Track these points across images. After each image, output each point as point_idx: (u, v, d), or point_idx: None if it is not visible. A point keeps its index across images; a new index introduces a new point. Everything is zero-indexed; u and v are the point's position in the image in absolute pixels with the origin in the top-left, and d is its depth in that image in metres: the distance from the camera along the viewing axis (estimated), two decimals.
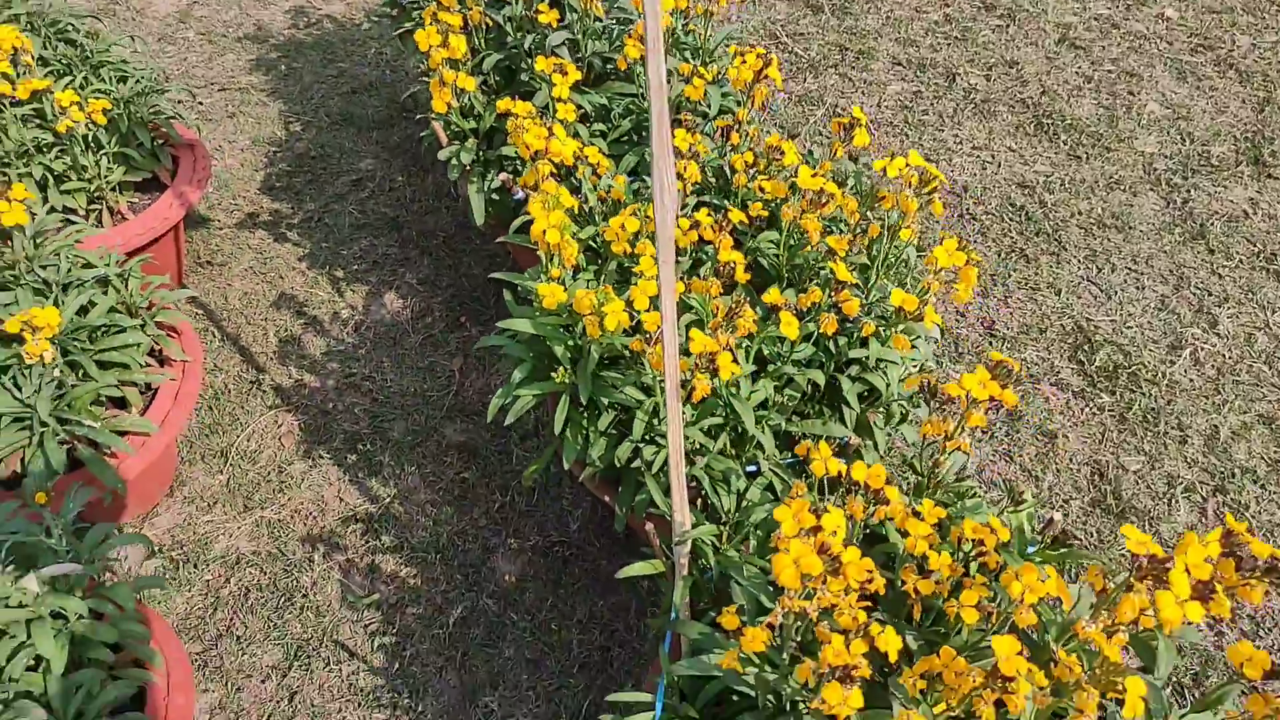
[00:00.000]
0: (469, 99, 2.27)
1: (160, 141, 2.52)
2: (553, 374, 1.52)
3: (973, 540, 1.12)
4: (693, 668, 1.20)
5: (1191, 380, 2.46)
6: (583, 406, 1.56)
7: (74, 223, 2.11)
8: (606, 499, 1.72)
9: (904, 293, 1.50)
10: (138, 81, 2.41)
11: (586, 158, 1.80)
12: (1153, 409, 2.39)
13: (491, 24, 2.32)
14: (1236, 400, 2.41)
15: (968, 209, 2.92)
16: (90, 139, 2.32)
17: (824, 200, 1.65)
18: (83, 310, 1.84)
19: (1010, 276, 2.72)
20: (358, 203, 3.02)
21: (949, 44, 3.56)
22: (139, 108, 2.38)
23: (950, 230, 2.86)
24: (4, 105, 2.19)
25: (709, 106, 2.11)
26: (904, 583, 1.14)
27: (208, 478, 2.31)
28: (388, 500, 2.27)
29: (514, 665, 1.98)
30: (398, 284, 2.76)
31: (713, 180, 1.97)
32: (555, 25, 2.20)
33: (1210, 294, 2.67)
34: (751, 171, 1.81)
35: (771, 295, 1.53)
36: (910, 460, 1.44)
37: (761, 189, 1.81)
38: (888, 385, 1.58)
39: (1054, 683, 1.02)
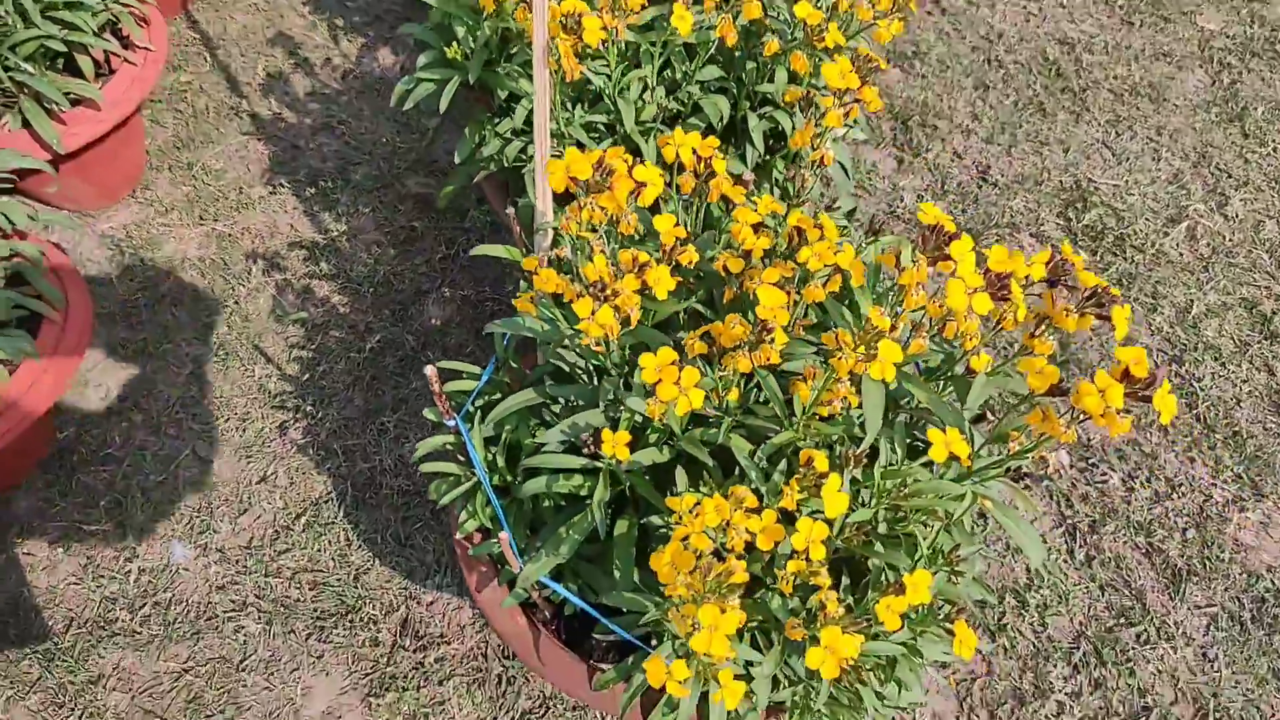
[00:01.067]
0: None
1: None
2: (447, 50, 1.49)
3: (796, 229, 1.08)
4: (505, 326, 1.19)
5: (1181, 254, 2.33)
6: (478, 94, 1.53)
7: None
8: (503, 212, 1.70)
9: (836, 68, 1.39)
10: None
11: None
12: (1130, 273, 2.27)
13: None
14: (1222, 280, 2.28)
15: (996, 55, 2.75)
16: None
17: None
18: None
19: (1021, 128, 2.58)
20: None
21: None
22: None
23: (970, 74, 2.70)
24: None
25: None
26: (724, 266, 1.11)
27: (171, 186, 2.34)
28: (336, 235, 2.28)
29: (419, 396, 2.01)
30: (394, 42, 2.72)
31: None
32: None
33: (1230, 175, 2.50)
34: None
35: None
36: (781, 183, 1.38)
37: None
38: (794, 129, 1.51)
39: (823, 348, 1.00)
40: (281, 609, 1.73)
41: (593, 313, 0.97)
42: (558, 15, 1.22)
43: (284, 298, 2.15)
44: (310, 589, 1.76)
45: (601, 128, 1.44)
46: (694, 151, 1.12)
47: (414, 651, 1.71)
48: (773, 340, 0.97)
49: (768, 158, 1.54)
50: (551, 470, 1.14)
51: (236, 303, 2.14)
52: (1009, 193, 2.44)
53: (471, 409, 1.29)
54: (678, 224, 1.12)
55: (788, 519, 0.99)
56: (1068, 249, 1.10)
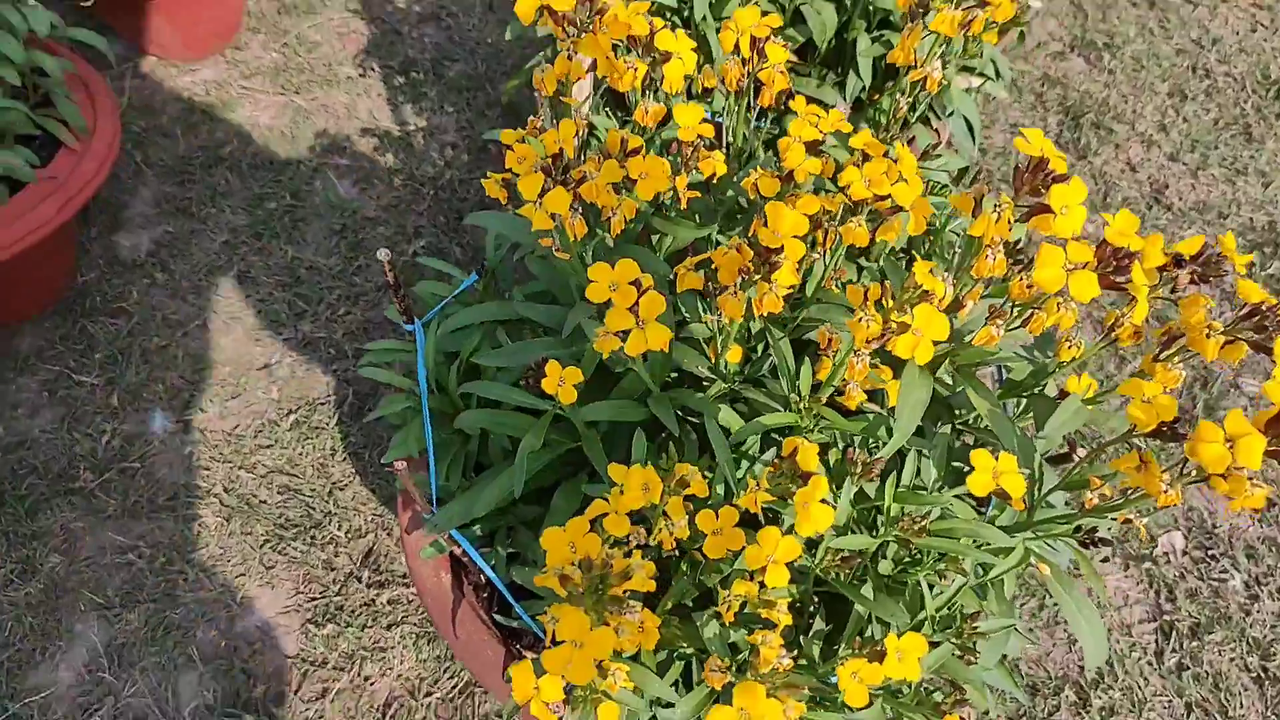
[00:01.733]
0: None
1: None
2: None
3: (862, 153, 0.80)
4: (478, 219, 0.97)
5: None
6: None
7: None
8: None
9: None
10: None
11: None
12: None
13: None
14: None
15: (1205, 64, 2.33)
16: None
17: None
18: None
19: (1216, 149, 2.16)
20: None
21: None
22: None
23: (1168, 78, 2.29)
24: None
25: None
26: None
27: (262, 50, 2.22)
28: (413, 130, 2.11)
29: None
30: None
31: None
32: None
33: None
34: None
35: None
36: (876, 117, 1.09)
37: None
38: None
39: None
40: (245, 507, 1.58)
41: (541, 194, 0.72)
42: None
43: (342, 182, 2.00)
44: (280, 493, 1.60)
45: (670, 13, 1.19)
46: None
47: (369, 586, 1.52)
48: (775, 280, 0.71)
49: (875, 96, 1.25)
50: (494, 403, 0.92)
51: (292, 178, 1.99)
52: (1184, 220, 2.04)
53: (440, 319, 1.07)
54: (709, 122, 0.86)
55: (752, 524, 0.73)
56: (1229, 243, 0.79)
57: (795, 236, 0.72)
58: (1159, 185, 2.10)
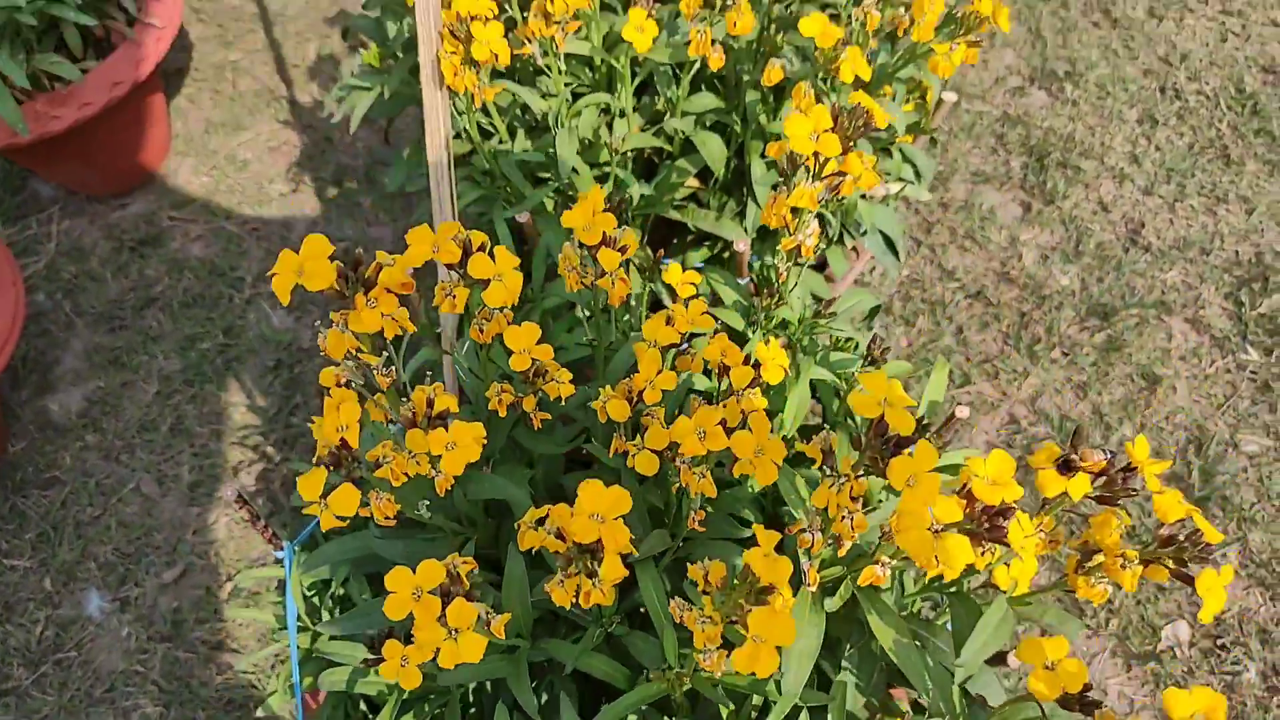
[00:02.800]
0: None
1: None
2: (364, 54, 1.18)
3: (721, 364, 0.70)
4: None
5: None
6: None
7: None
8: None
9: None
10: None
11: None
12: None
13: None
14: None
15: (1175, 83, 2.20)
16: None
17: None
18: None
19: (1193, 177, 2.04)
20: None
21: None
22: None
23: (1136, 104, 2.17)
24: None
25: None
26: None
27: (192, 175, 2.16)
28: (350, 244, 2.03)
29: None
30: None
31: None
32: None
33: None
34: None
35: None
36: (763, 271, 0.97)
37: None
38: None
39: None
40: (185, 692, 1.50)
41: (324, 494, 0.63)
42: (448, 20, 0.89)
43: (276, 312, 1.92)
44: (221, 672, 1.52)
45: (546, 164, 1.10)
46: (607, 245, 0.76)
47: None
48: (601, 578, 0.61)
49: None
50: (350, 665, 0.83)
51: (225, 314, 1.92)
52: (1164, 261, 1.92)
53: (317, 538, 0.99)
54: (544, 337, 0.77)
55: None
56: (1140, 450, 0.68)
57: (620, 517, 0.63)
58: (1134, 224, 1.98)
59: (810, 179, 0.78)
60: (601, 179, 1.08)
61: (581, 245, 0.79)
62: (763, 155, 1.10)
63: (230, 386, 1.82)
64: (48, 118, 1.75)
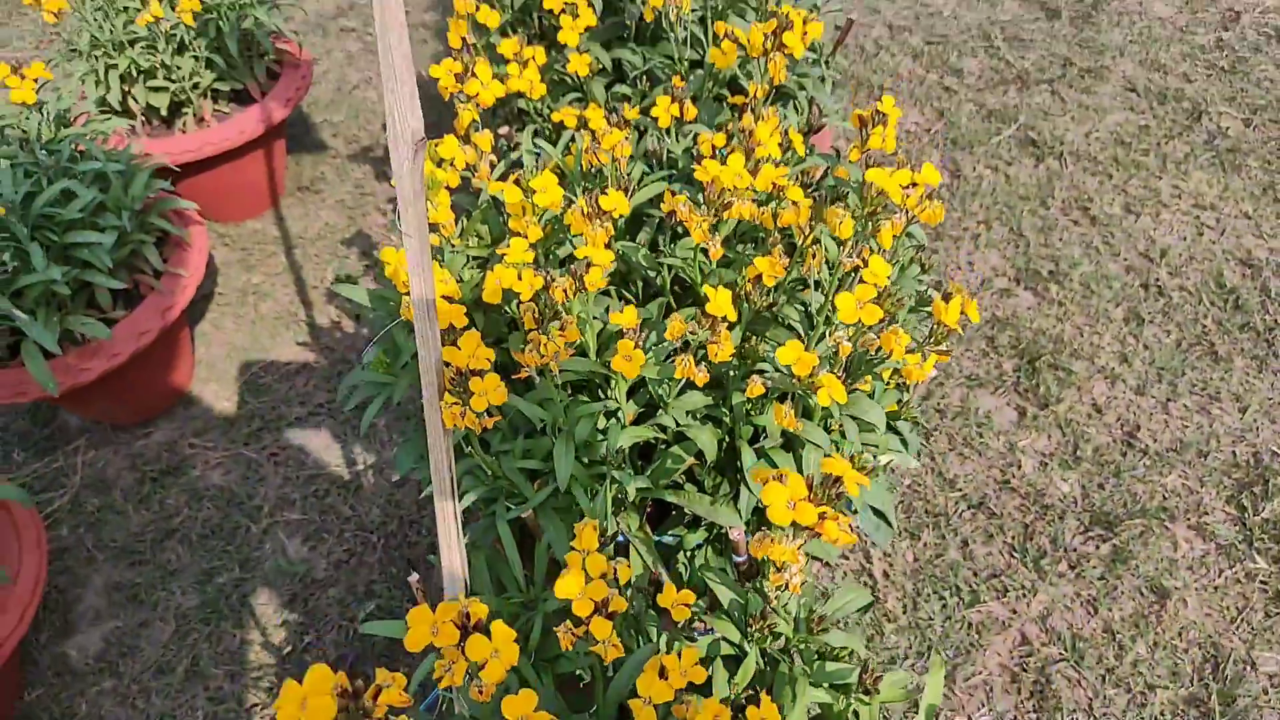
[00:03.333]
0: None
1: (263, 54, 2.48)
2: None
3: None
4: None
5: None
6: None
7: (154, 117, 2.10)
8: None
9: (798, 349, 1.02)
10: None
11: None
12: None
13: None
14: None
15: (1157, 279, 2.28)
16: (179, 40, 2.30)
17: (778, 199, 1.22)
18: (64, 197, 1.78)
19: (1184, 375, 2.09)
20: None
21: (1210, 75, 2.83)
22: (235, 15, 2.33)
23: (1122, 302, 2.24)
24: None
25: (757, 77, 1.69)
26: None
27: (214, 402, 2.25)
28: (362, 469, 2.10)
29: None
30: None
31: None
32: None
33: None
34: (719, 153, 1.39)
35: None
36: (758, 587, 1.00)
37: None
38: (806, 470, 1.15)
39: None
40: None
41: None
42: (449, 373, 0.96)
43: (291, 541, 1.97)
44: None
45: (546, 469, 1.15)
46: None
47: None
48: None
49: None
50: None
51: (241, 545, 1.97)
52: (1163, 464, 1.95)
53: None
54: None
55: None
56: None
57: None
58: (1130, 427, 2.02)
59: (789, 538, 0.83)
60: (599, 478, 1.14)
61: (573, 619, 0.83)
62: (752, 442, 1.15)
63: (246, 623, 1.85)
64: (77, 370, 1.84)
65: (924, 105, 2.84)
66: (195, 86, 2.36)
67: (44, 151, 1.82)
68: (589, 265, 1.05)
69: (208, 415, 2.22)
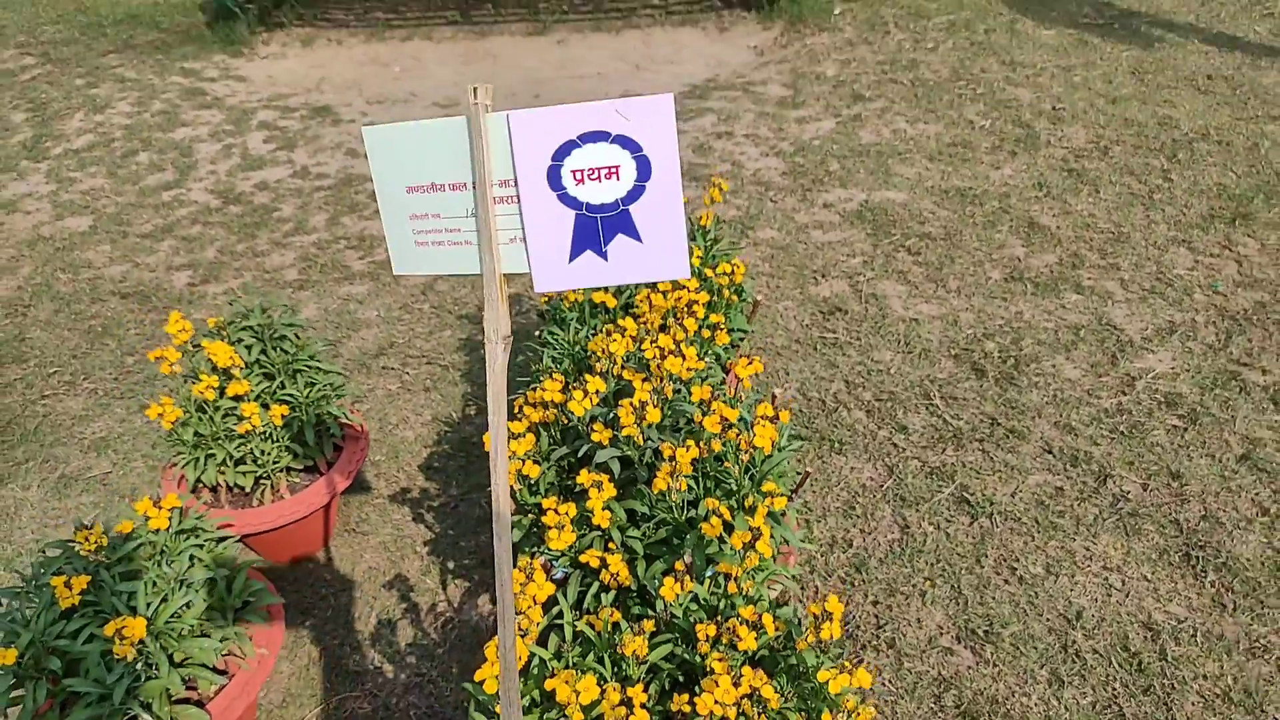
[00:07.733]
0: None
1: (331, 435, 3.00)
2: None
3: None
4: None
5: None
6: None
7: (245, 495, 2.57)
8: None
9: None
10: (319, 389, 2.91)
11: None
12: None
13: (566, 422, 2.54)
14: None
15: (1074, 641, 2.73)
16: (268, 435, 2.82)
17: None
18: (184, 608, 2.22)
19: None
20: (489, 498, 3.36)
21: (1112, 439, 3.41)
22: (312, 411, 2.87)
23: (1045, 663, 2.68)
24: (208, 406, 2.75)
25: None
26: None
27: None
28: None
29: None
30: (491, 587, 3.01)
31: None
32: (606, 443, 2.35)
33: None
34: None
35: None
36: None
37: None
38: None
39: None
40: None
41: None
42: None
43: None
44: None
45: None
46: None
47: None
48: None
49: None
50: None
51: None
52: None
53: None
54: None
55: None
56: None
57: None
58: None
59: None
60: None
61: None
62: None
63: None
64: None
65: (876, 461, 3.39)
66: (276, 464, 2.86)
67: (169, 566, 2.28)
68: None
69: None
